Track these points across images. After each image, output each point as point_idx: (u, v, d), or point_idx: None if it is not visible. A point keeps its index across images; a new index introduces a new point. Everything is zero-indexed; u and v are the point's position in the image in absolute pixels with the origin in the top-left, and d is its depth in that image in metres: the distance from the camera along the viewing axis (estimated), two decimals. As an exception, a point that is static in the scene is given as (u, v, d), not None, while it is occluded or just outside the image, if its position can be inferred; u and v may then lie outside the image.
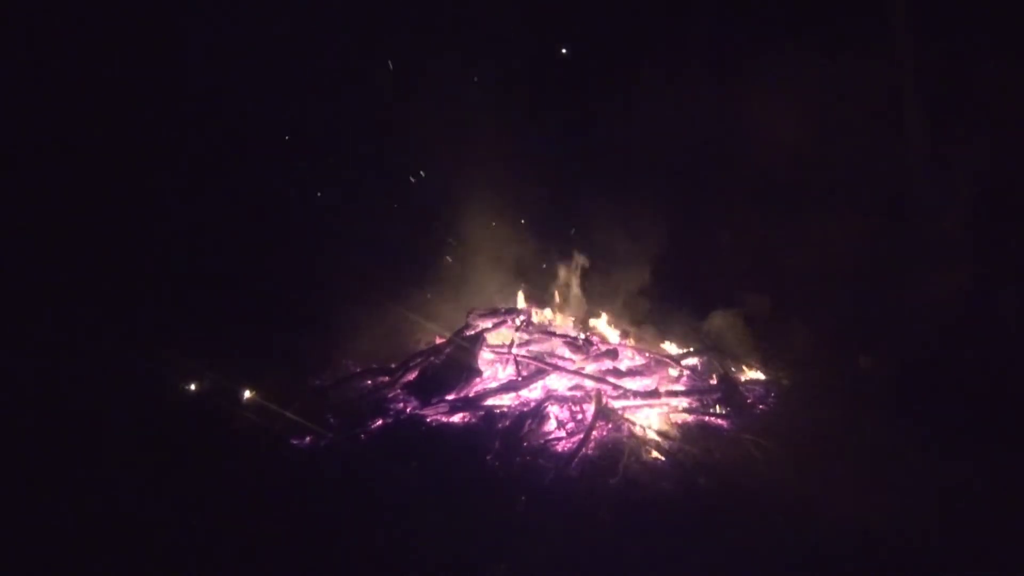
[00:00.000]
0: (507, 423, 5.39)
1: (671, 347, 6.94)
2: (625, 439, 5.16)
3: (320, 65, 8.87)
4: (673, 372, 6.41)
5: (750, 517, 4.18)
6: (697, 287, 7.79)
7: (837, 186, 7.98)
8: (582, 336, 6.74)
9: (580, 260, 7.37)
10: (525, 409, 5.58)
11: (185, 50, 8.10)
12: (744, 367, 6.74)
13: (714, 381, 6.21)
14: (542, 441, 5.20)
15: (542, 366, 6.16)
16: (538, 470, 4.78)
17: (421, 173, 8.88)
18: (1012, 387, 5.70)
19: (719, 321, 7.10)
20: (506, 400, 5.85)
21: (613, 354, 6.34)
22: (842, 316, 7.21)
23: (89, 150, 7.82)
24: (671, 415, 5.62)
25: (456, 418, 5.61)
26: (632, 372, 6.23)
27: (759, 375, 6.65)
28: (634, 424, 5.38)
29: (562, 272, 7.47)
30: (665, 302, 7.52)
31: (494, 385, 6.08)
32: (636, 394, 5.79)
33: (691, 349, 6.90)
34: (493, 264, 8.04)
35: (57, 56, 7.70)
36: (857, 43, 7.71)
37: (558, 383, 6.07)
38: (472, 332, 6.51)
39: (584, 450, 4.97)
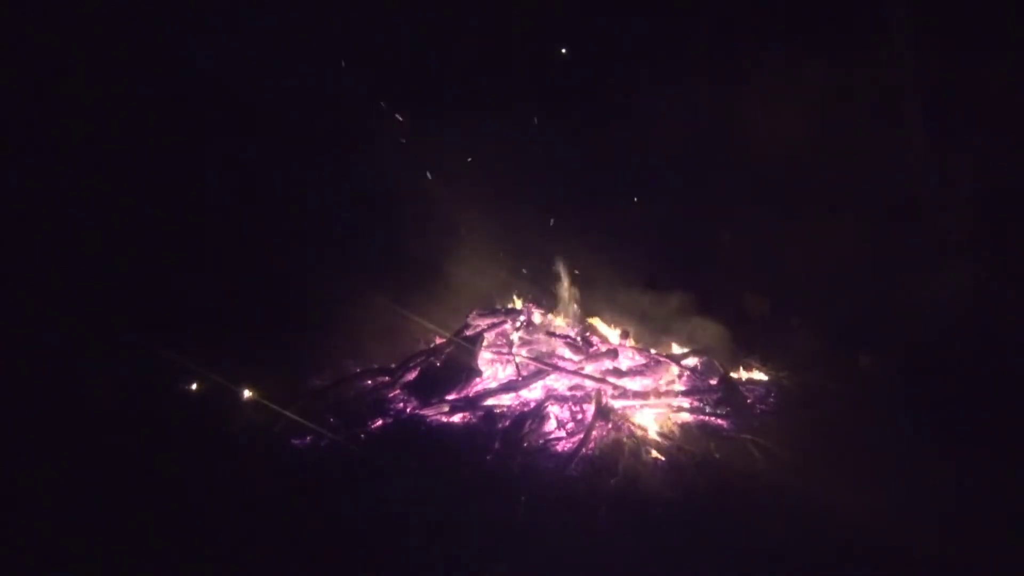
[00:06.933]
0: (507, 423, 5.39)
1: (672, 347, 6.94)
2: (625, 439, 5.16)
3: (321, 65, 8.87)
4: (673, 372, 6.41)
5: (750, 517, 4.18)
6: (698, 287, 7.77)
7: (837, 186, 7.98)
8: (581, 338, 6.74)
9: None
10: (525, 409, 5.58)
11: (188, 48, 8.10)
12: (744, 367, 6.74)
13: (714, 381, 6.21)
14: (542, 441, 5.20)
15: (542, 366, 6.16)
16: (538, 470, 4.78)
17: (428, 175, 8.87)
18: (1012, 386, 5.71)
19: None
20: (506, 400, 5.85)
21: (613, 354, 6.34)
22: (842, 316, 7.21)
23: (89, 147, 7.82)
24: (671, 415, 5.62)
25: (456, 418, 5.61)
26: (632, 372, 6.23)
27: (759, 375, 6.64)
28: (634, 424, 5.38)
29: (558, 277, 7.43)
30: (665, 303, 7.52)
31: (494, 385, 6.08)
32: (636, 394, 5.79)
33: (691, 349, 6.90)
34: (489, 264, 8.05)
35: (58, 55, 7.70)
36: (857, 43, 7.71)
37: (558, 383, 6.07)
38: (472, 332, 6.51)
39: (584, 450, 4.97)
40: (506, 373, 6.34)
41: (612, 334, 7.02)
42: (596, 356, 6.32)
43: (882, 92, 7.89)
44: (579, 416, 5.50)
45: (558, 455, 5.00)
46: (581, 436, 5.10)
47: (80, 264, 7.33)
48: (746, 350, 6.97)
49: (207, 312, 7.44)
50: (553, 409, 5.55)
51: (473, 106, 8.85)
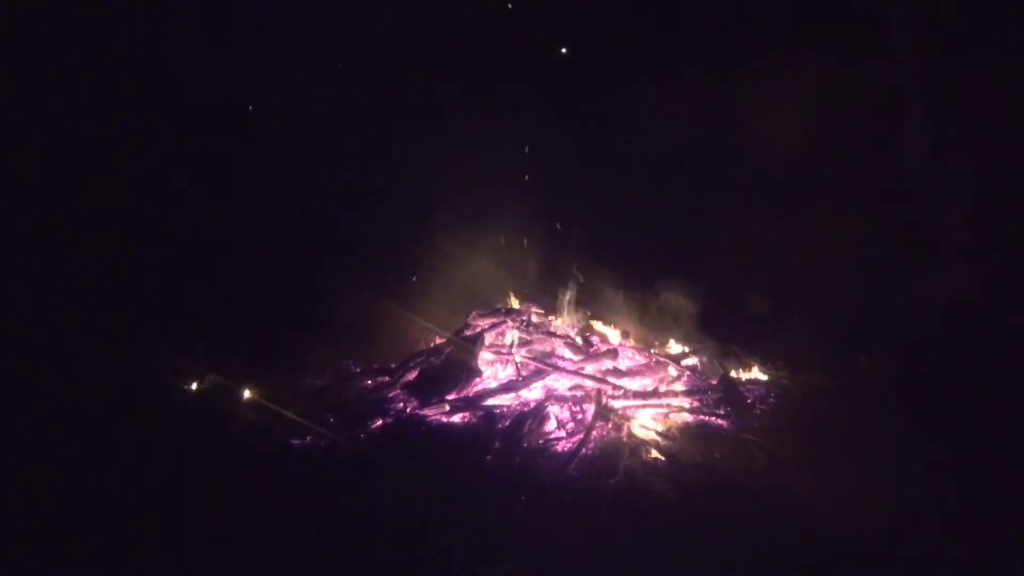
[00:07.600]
0: (507, 423, 5.39)
1: (672, 347, 6.94)
2: (625, 439, 5.16)
3: (322, 65, 8.88)
4: (673, 372, 6.41)
5: (750, 517, 4.18)
6: (698, 286, 7.77)
7: (838, 185, 7.98)
8: (580, 338, 6.74)
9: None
10: (525, 409, 5.58)
11: (190, 48, 8.11)
12: (744, 367, 6.74)
13: (714, 381, 6.21)
14: (542, 441, 5.20)
15: (542, 366, 6.16)
16: (538, 470, 4.79)
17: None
18: (1012, 386, 5.70)
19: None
20: (506, 400, 5.85)
21: (613, 354, 6.34)
22: (842, 316, 7.21)
23: (90, 148, 7.83)
24: (671, 415, 5.62)
25: (456, 418, 5.61)
26: (632, 372, 6.23)
27: (759, 375, 6.65)
28: (634, 424, 5.38)
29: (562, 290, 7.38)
30: (665, 302, 7.52)
31: (494, 385, 6.08)
32: (636, 394, 5.79)
33: (690, 349, 6.90)
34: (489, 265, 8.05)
35: (60, 56, 7.71)
36: (857, 43, 7.71)
37: (558, 383, 6.07)
38: (471, 332, 6.51)
39: (584, 450, 4.98)
40: (506, 373, 6.34)
41: (612, 334, 7.02)
42: (596, 356, 6.32)
43: (882, 91, 7.89)
44: (579, 416, 5.50)
45: (558, 455, 5.00)
46: (581, 436, 5.10)
47: (82, 264, 7.33)
48: (746, 350, 6.96)
49: (208, 312, 7.44)
50: (553, 409, 5.55)
51: (473, 106, 8.85)
